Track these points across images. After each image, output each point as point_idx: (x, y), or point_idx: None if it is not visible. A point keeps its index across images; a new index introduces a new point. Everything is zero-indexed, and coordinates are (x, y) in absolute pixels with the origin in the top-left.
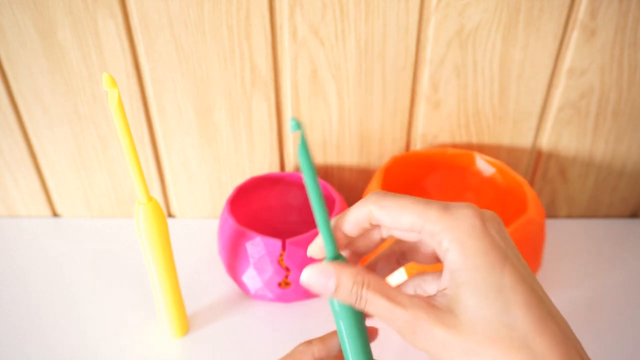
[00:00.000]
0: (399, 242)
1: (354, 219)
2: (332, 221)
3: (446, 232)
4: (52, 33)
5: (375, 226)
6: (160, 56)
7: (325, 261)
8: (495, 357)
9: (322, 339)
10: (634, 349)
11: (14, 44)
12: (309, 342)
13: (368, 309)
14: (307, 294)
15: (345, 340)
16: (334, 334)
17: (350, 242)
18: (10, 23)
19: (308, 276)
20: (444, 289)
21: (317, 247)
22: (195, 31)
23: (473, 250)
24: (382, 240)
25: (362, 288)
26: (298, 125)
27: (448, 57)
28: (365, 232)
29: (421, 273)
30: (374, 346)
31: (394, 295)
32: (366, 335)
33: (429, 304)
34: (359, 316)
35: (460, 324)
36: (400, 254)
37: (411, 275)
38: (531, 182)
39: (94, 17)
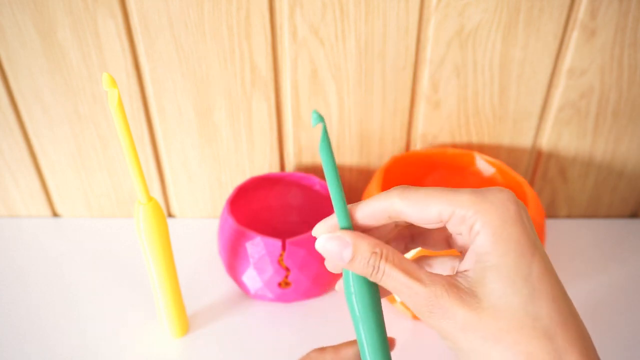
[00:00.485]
0: (409, 226)
1: (372, 210)
2: (347, 207)
3: (479, 215)
4: (52, 33)
5: (392, 221)
6: (160, 56)
7: (327, 234)
8: (515, 345)
9: (336, 349)
10: (635, 348)
11: (14, 44)
12: (322, 350)
13: (385, 282)
14: (307, 294)
15: (360, 326)
16: (348, 344)
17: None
18: (10, 23)
19: (323, 243)
20: (465, 271)
21: (326, 226)
22: (195, 31)
23: (505, 235)
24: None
25: (380, 260)
26: (319, 118)
27: (448, 57)
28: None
29: (426, 257)
30: None
31: (413, 270)
32: (382, 322)
33: (450, 282)
34: (376, 298)
35: (482, 307)
36: (409, 238)
37: (415, 258)
38: (531, 182)
39: (94, 17)
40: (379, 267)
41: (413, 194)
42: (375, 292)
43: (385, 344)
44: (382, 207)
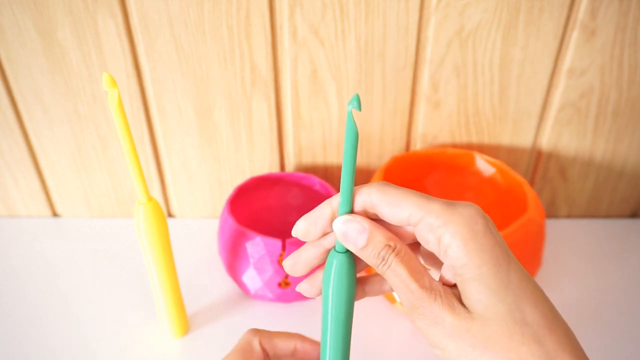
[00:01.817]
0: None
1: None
2: (327, 201)
3: (448, 226)
4: (52, 33)
5: (366, 214)
6: (160, 56)
7: (347, 214)
8: (505, 352)
9: (270, 336)
10: (635, 348)
11: (14, 44)
12: (258, 332)
13: (388, 274)
14: None
15: (329, 322)
16: (285, 337)
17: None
18: (10, 23)
19: (343, 223)
20: (453, 286)
21: (311, 221)
22: (195, 31)
23: (477, 246)
24: None
25: (390, 253)
26: (359, 104)
27: (448, 57)
28: None
29: None
30: (374, 349)
31: (417, 271)
32: (351, 322)
33: (446, 290)
34: (352, 297)
35: (471, 317)
36: None
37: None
38: (531, 182)
39: (94, 17)
40: (387, 259)
41: (391, 191)
42: (352, 292)
43: (348, 340)
44: (362, 198)
